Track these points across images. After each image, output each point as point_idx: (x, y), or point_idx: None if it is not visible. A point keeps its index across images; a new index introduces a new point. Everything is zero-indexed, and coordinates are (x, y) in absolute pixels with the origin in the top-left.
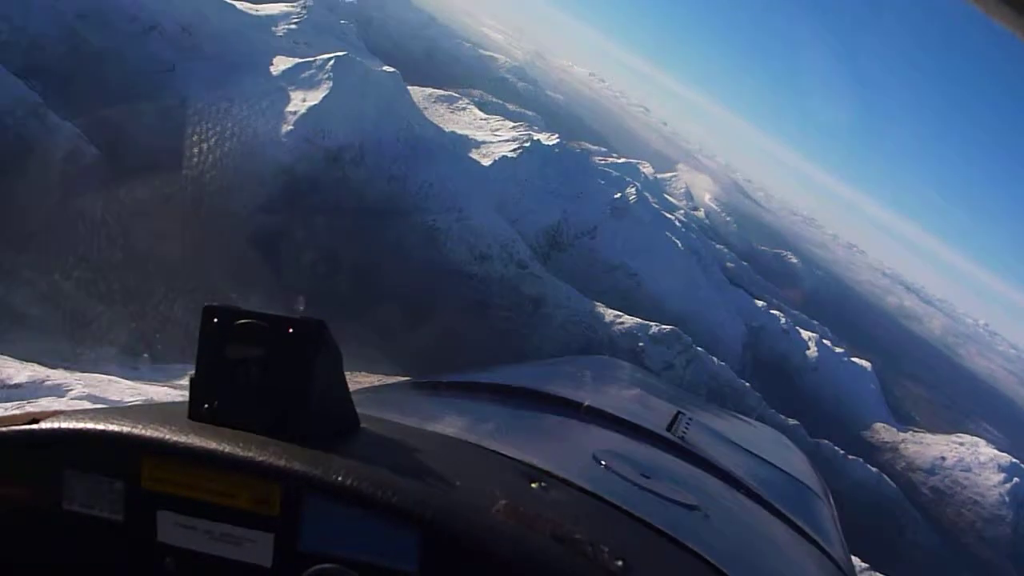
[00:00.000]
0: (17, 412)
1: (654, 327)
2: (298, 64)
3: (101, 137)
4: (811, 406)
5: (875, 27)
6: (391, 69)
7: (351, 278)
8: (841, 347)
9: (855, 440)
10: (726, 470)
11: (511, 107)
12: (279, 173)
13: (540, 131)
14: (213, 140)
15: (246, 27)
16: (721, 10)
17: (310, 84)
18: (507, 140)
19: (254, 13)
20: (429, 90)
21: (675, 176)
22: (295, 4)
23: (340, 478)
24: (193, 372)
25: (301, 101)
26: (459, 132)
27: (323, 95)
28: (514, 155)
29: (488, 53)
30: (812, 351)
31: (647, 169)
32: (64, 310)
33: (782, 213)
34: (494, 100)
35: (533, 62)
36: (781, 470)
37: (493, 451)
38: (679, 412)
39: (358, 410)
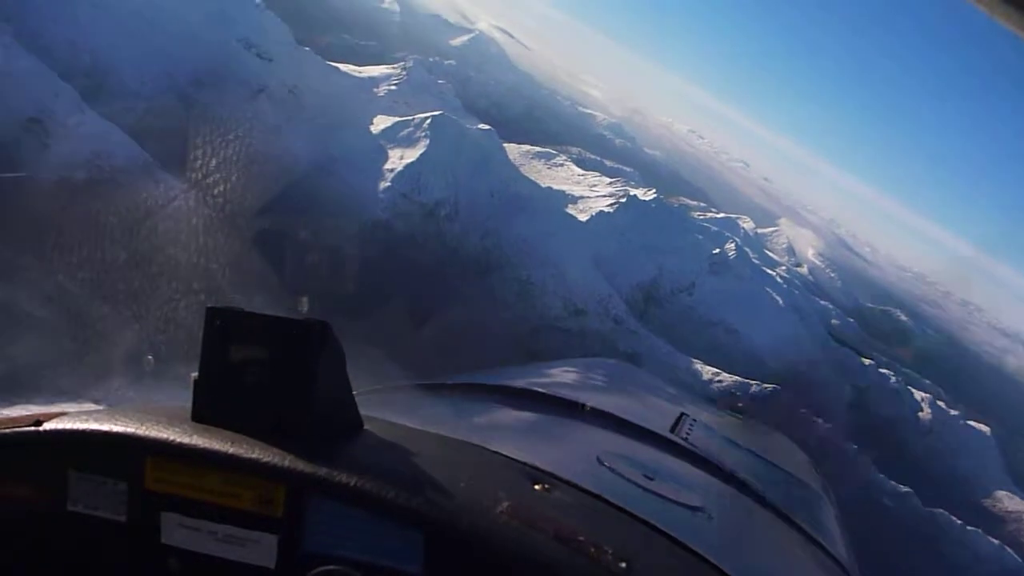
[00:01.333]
0: (22, 414)
1: (755, 386)
2: (396, 123)
3: (208, 194)
4: (925, 472)
5: (994, 84)
6: (487, 127)
7: (445, 333)
8: (957, 409)
9: (974, 509)
10: (729, 472)
11: (609, 163)
12: (376, 228)
13: (637, 186)
14: (314, 197)
15: (349, 88)
16: (826, 65)
17: (408, 142)
18: (604, 195)
19: (356, 75)
20: (526, 147)
21: (776, 231)
22: (396, 66)
23: (344, 479)
24: (196, 373)
25: (399, 159)
26: (556, 188)
27: (420, 152)
28: (611, 210)
29: (587, 111)
30: (925, 413)
31: (747, 224)
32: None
33: (890, 269)
34: (592, 157)
35: (632, 119)
36: (784, 472)
37: (496, 452)
38: (682, 414)
39: (361, 411)
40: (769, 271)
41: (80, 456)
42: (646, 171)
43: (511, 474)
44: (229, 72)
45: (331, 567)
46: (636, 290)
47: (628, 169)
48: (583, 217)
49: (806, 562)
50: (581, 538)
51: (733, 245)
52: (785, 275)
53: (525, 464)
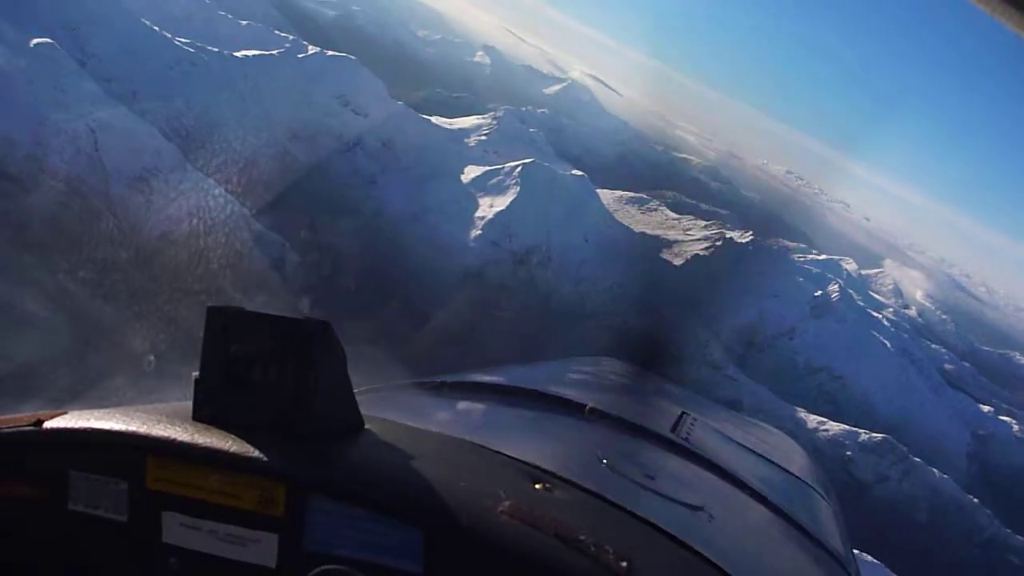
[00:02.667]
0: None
1: (864, 435)
2: (487, 171)
3: (305, 246)
4: None
5: None
6: (580, 173)
7: None
8: None
9: None
10: (730, 471)
11: (704, 206)
12: (468, 276)
13: (734, 229)
14: (407, 247)
15: (441, 140)
16: (927, 98)
17: (498, 190)
18: (699, 239)
19: (448, 127)
20: (620, 193)
21: (882, 272)
22: (487, 116)
23: (344, 478)
24: (197, 372)
25: (489, 207)
26: (650, 232)
27: (510, 200)
28: (706, 253)
29: (681, 155)
30: None
31: (850, 266)
32: None
33: (1008, 310)
34: (687, 200)
35: (727, 162)
36: (786, 471)
37: (497, 452)
38: (683, 413)
39: (362, 411)
40: (875, 314)
41: (81, 455)
42: (743, 213)
43: (511, 473)
44: (326, 127)
45: (332, 566)
46: (735, 335)
47: (724, 212)
48: (678, 261)
49: (807, 561)
50: (582, 537)
51: (836, 287)
52: (892, 318)
53: (525, 463)
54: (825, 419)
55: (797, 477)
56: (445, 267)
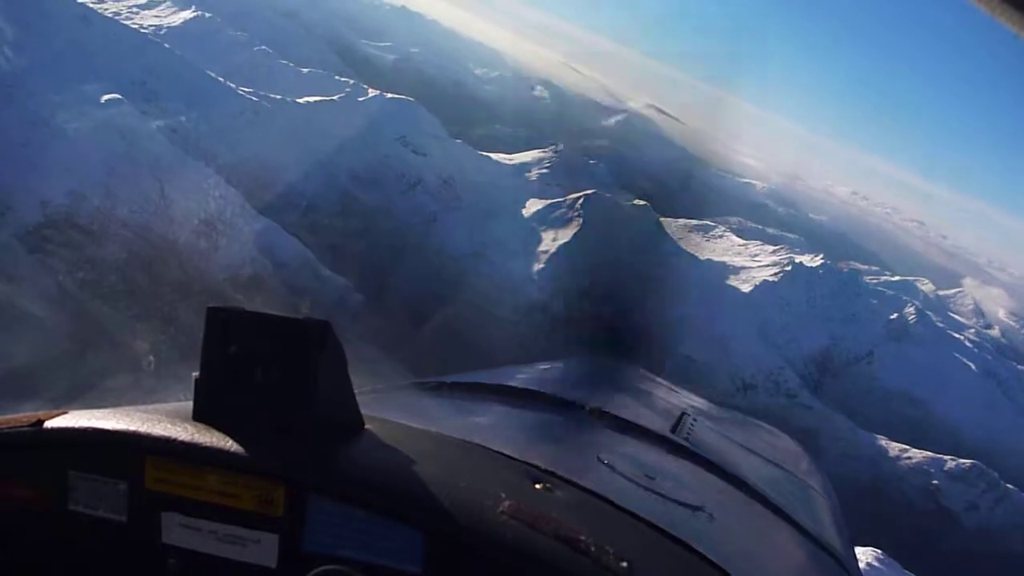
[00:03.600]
0: (22, 413)
1: (950, 461)
2: (549, 205)
3: (368, 286)
4: None
5: None
6: (642, 202)
7: None
8: None
9: None
10: (731, 471)
11: (771, 231)
12: (532, 310)
13: (803, 253)
14: (469, 283)
15: (501, 175)
16: (1006, 110)
17: (561, 223)
18: (767, 264)
19: (508, 162)
20: (684, 221)
21: (960, 292)
22: (547, 150)
23: (344, 479)
24: (197, 372)
25: (552, 240)
26: (716, 260)
27: (573, 232)
28: (775, 279)
29: (745, 180)
30: None
31: (927, 286)
32: None
33: None
34: (753, 226)
35: (793, 185)
36: (786, 471)
37: (497, 452)
38: (683, 413)
39: (362, 411)
40: (955, 335)
41: (81, 456)
42: (811, 237)
43: (512, 474)
44: (387, 168)
45: (331, 567)
46: (809, 362)
47: (792, 236)
48: (746, 288)
49: (807, 561)
50: (582, 537)
51: (913, 309)
52: (974, 338)
53: (526, 464)
54: (908, 446)
55: (797, 477)
56: (510, 302)
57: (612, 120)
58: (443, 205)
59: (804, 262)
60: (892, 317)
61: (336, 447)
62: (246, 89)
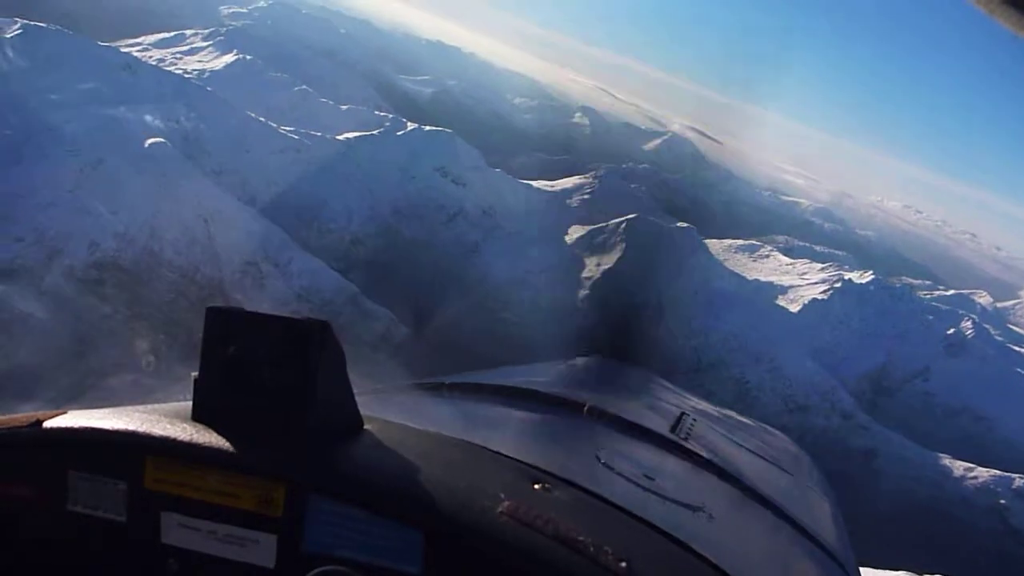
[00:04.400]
0: (21, 413)
1: (1018, 479)
2: (591, 230)
3: (412, 318)
4: None
5: None
6: (685, 225)
7: None
8: None
9: None
10: (730, 471)
11: (819, 249)
12: (579, 337)
13: (852, 270)
14: (513, 312)
15: (542, 203)
16: None
17: (604, 248)
18: (816, 283)
19: (549, 189)
20: (728, 241)
21: (1019, 303)
22: (587, 176)
23: (344, 479)
24: (197, 372)
25: (596, 266)
26: (763, 279)
27: (617, 257)
28: (825, 297)
29: (790, 199)
30: None
31: (984, 299)
32: None
33: None
34: (800, 244)
35: (840, 201)
36: (785, 471)
37: (496, 452)
38: (683, 413)
39: (362, 411)
40: (1016, 348)
41: (80, 456)
42: (861, 253)
43: (511, 474)
44: (427, 199)
45: (331, 567)
46: (863, 380)
47: (840, 253)
48: (795, 307)
49: (806, 561)
50: (581, 538)
51: (970, 323)
52: None
53: (525, 464)
54: (972, 465)
55: (797, 478)
56: (554, 329)
57: (652, 144)
58: (484, 234)
59: (854, 279)
60: (948, 332)
61: (335, 447)
62: (287, 128)
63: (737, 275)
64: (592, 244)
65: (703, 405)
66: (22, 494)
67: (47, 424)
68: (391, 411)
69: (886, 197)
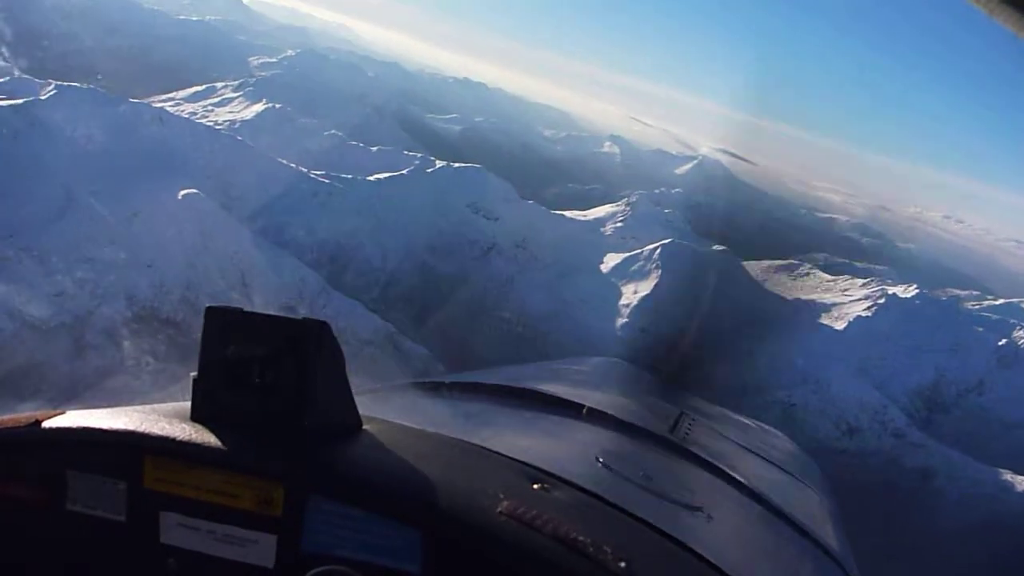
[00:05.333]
0: (21, 413)
1: None
2: (626, 258)
3: (449, 355)
4: None
5: None
6: (722, 247)
7: None
8: None
9: None
10: (728, 472)
11: (859, 264)
12: None
13: (896, 284)
14: (551, 343)
15: (576, 233)
16: None
17: (640, 275)
18: (859, 299)
19: (582, 219)
20: (767, 262)
21: None
22: (620, 203)
23: (343, 479)
24: (195, 372)
25: (632, 293)
26: (804, 299)
27: (653, 284)
28: (869, 313)
29: (826, 215)
30: None
31: None
32: None
33: None
34: (839, 261)
35: (877, 215)
36: (784, 471)
37: (496, 452)
38: (682, 414)
39: (360, 411)
40: None
41: (79, 455)
42: (903, 266)
43: (510, 474)
44: (460, 235)
45: (330, 567)
46: (915, 397)
47: (882, 267)
48: (840, 325)
49: (805, 561)
50: (580, 537)
51: (1023, 332)
52: None
53: (524, 464)
54: None
55: (796, 477)
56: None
57: (683, 168)
58: (519, 267)
59: (898, 293)
60: (1001, 343)
61: (334, 447)
62: (318, 172)
63: (777, 295)
64: (628, 272)
65: (702, 406)
66: (21, 494)
67: (46, 424)
68: (390, 411)
69: (925, 208)
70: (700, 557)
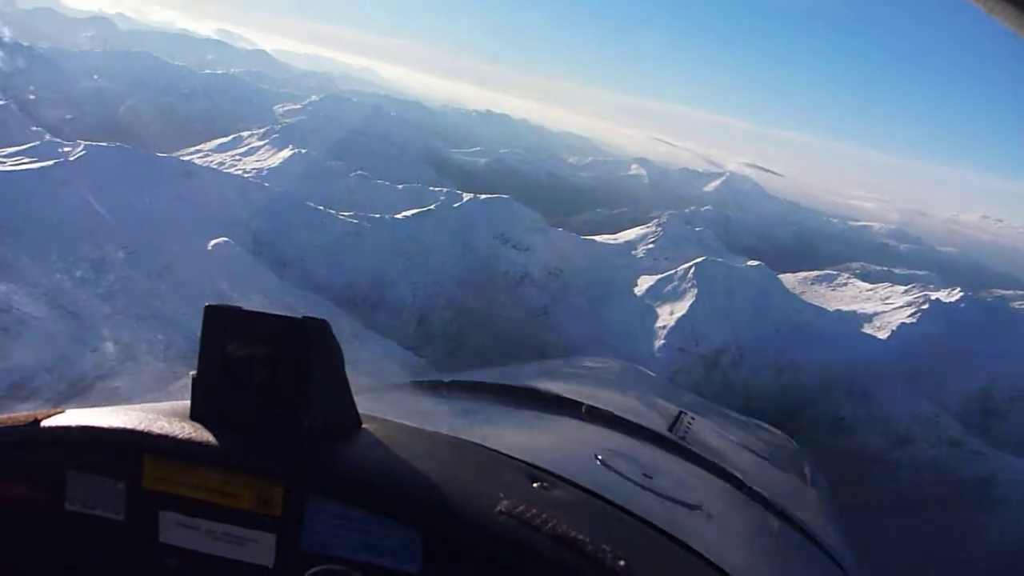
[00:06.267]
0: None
1: None
2: (660, 279)
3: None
4: None
5: None
6: (756, 262)
7: None
8: None
9: None
10: (728, 470)
11: (898, 271)
12: None
13: (938, 289)
14: None
15: (608, 257)
16: None
17: (675, 295)
18: (902, 306)
19: (613, 243)
20: (803, 274)
21: None
22: (650, 225)
23: (342, 478)
24: (195, 371)
25: (669, 314)
26: (845, 309)
27: (690, 303)
28: (913, 320)
29: (861, 223)
30: None
31: None
32: None
33: None
34: (878, 268)
35: (913, 220)
36: (784, 470)
37: (495, 451)
38: (681, 412)
39: (360, 410)
40: None
41: (78, 455)
42: (944, 270)
43: (510, 473)
44: (491, 267)
45: (329, 566)
46: (968, 404)
47: (922, 272)
48: (883, 334)
49: (804, 561)
50: (580, 536)
51: None
52: None
53: (524, 463)
54: None
55: (795, 476)
56: None
57: (712, 185)
58: (553, 296)
59: (941, 298)
60: None
61: (334, 446)
62: (346, 213)
63: (817, 307)
64: (663, 293)
65: (701, 404)
66: (19, 493)
67: (45, 423)
68: (390, 410)
69: (961, 210)
70: (699, 555)
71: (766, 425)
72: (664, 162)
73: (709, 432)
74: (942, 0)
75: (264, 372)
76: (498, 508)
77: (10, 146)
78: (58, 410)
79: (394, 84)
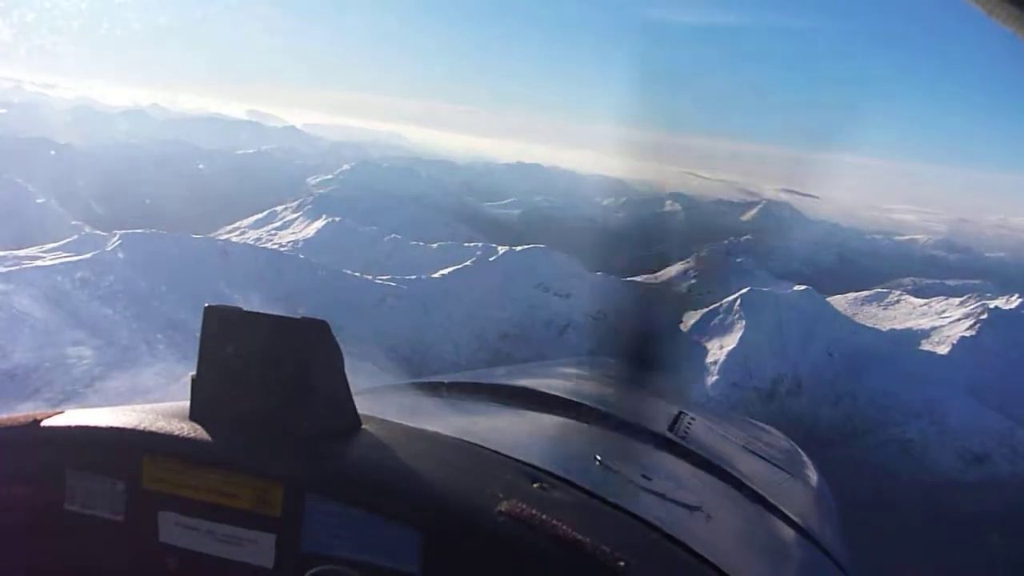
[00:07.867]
0: (20, 413)
1: None
2: (705, 314)
3: None
4: None
5: None
6: (803, 287)
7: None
8: None
9: None
10: (727, 470)
11: (951, 283)
12: None
13: (994, 297)
14: None
15: (651, 296)
16: None
17: (723, 329)
18: (959, 319)
19: (655, 282)
20: (852, 295)
21: None
22: (689, 260)
23: (341, 478)
24: (195, 372)
25: (718, 348)
26: (900, 327)
27: (739, 335)
28: (973, 332)
29: (905, 237)
30: None
31: None
32: None
33: None
34: (929, 282)
35: (960, 229)
36: (783, 470)
37: (494, 452)
38: (680, 412)
39: (359, 411)
40: None
41: (78, 454)
42: (997, 277)
43: (509, 473)
44: (533, 318)
45: (329, 566)
46: None
47: (975, 282)
48: (943, 349)
49: (804, 560)
50: (579, 537)
51: None
52: None
53: (523, 463)
54: None
55: (794, 476)
56: None
57: (749, 214)
58: (598, 341)
59: (999, 306)
60: None
61: (333, 447)
62: (383, 277)
63: (871, 328)
64: (710, 327)
65: (701, 405)
66: (20, 493)
67: (45, 423)
68: (389, 411)
69: (1009, 214)
70: (699, 556)
71: (765, 425)
72: (699, 195)
73: (709, 432)
74: (947, 3)
75: (263, 372)
76: (498, 508)
77: (50, 242)
78: (58, 411)
79: (423, 145)
